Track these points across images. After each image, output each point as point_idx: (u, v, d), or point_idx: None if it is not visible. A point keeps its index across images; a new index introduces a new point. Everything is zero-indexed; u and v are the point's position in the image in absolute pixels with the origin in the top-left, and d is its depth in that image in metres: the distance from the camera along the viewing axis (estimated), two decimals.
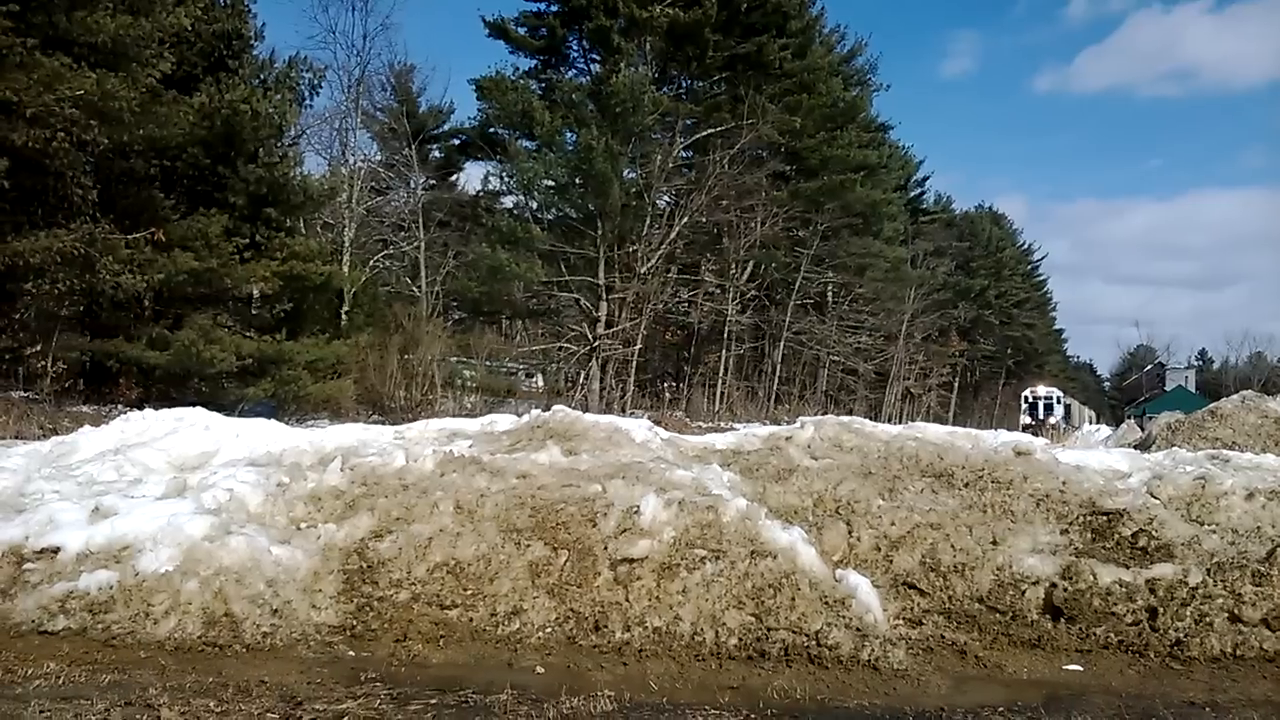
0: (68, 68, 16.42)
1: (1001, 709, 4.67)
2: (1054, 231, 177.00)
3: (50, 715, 4.14)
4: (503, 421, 8.91)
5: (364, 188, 32.73)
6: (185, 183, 21.74)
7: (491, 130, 38.44)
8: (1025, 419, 55.17)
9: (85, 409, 18.11)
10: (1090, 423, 62.79)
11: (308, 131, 31.02)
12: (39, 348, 18.37)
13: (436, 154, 44.81)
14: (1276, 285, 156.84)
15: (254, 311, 24.24)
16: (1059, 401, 59.28)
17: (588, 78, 38.78)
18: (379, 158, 37.75)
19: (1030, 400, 59.23)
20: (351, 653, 5.21)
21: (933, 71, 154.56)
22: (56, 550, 5.70)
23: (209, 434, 8.54)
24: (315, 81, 26.02)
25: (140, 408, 10.83)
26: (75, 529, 5.85)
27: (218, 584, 5.44)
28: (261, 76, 23.93)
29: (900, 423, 11.91)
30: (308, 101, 26.75)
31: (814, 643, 5.26)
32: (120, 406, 17.80)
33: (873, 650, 5.23)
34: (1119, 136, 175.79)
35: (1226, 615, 5.70)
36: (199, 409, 9.59)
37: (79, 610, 5.30)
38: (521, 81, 37.34)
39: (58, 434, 10.33)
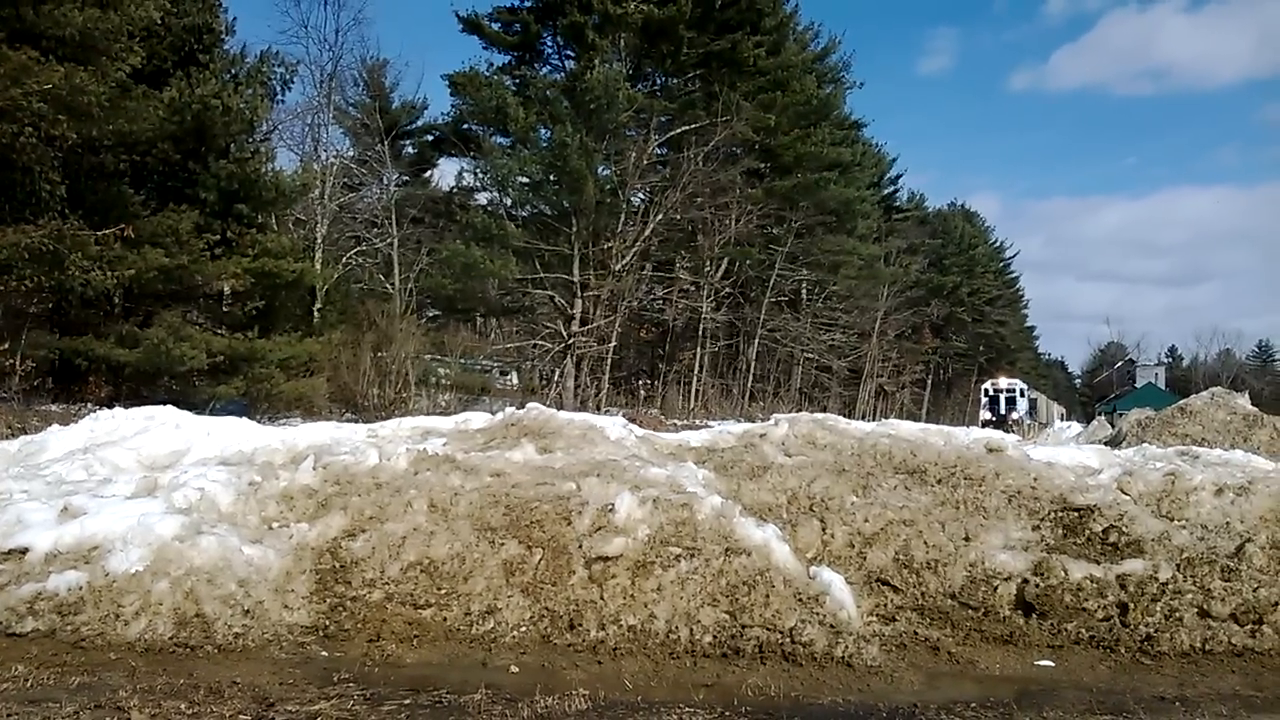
0: (35, 61, 16.23)
1: (974, 705, 4.70)
2: (1028, 229, 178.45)
3: (18, 718, 4.10)
4: (477, 419, 8.89)
5: (336, 184, 32.54)
6: (155, 178, 21.57)
7: (465, 126, 38.34)
8: (985, 414, 51.68)
9: (54, 408, 17.93)
10: (1060, 419, 62.92)
11: (279, 127, 30.85)
12: (7, 345, 18.11)
13: (410, 150, 44.59)
14: (1248, 282, 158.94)
15: (225, 309, 24.07)
16: (1023, 394, 54.96)
17: (562, 74, 38.75)
18: (352, 153, 37.57)
19: (990, 393, 55.06)
20: (325, 653, 5.18)
21: (911, 68, 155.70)
22: (24, 551, 5.64)
23: (180, 433, 8.47)
24: (287, 76, 25.82)
25: (110, 406, 10.76)
26: (44, 529, 5.79)
27: (189, 584, 5.39)
28: (233, 71, 23.71)
29: (874, 420, 11.94)
30: (279, 97, 26.53)
31: (788, 640, 5.28)
32: (90, 405, 17.63)
33: (846, 647, 5.25)
34: (1094, 134, 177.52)
35: (1196, 610, 5.76)
36: (169, 407, 9.52)
37: (48, 612, 5.25)
38: (495, 77, 37.24)
39: (26, 433, 10.23)
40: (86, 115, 17.33)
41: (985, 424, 42.28)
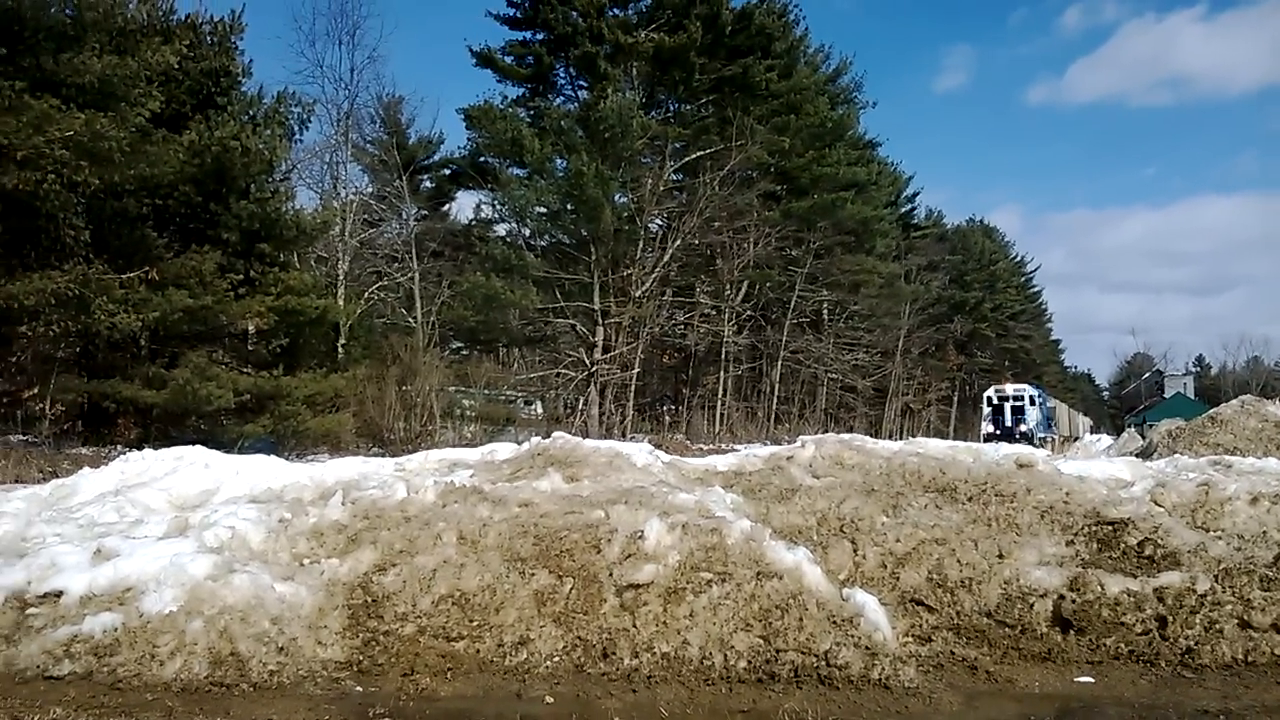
0: (56, 109, 16.44)
1: None
2: (1050, 242, 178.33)
3: None
4: (503, 450, 8.91)
5: (356, 220, 32.75)
6: (177, 221, 21.75)
7: (482, 159, 38.55)
8: (987, 426, 44.56)
9: (84, 451, 18.05)
10: (1089, 432, 62.17)
11: (298, 166, 31.04)
12: (36, 390, 18.33)
13: (428, 184, 44.89)
14: (1273, 289, 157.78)
15: (250, 347, 24.22)
16: (1034, 402, 45.81)
17: (576, 104, 38.93)
18: (370, 190, 37.77)
19: (994, 401, 46.14)
20: (359, 688, 5.18)
21: (927, 87, 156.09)
22: (59, 594, 5.66)
23: (209, 472, 8.52)
24: (304, 116, 26.04)
25: (139, 448, 10.82)
26: (77, 572, 5.81)
27: (222, 623, 5.40)
28: (250, 113, 23.95)
29: (900, 438, 11.89)
30: (298, 136, 26.77)
31: (823, 663, 5.24)
32: (119, 447, 17.76)
33: (883, 669, 5.20)
34: (1113, 146, 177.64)
35: (1236, 621, 5.68)
36: (198, 447, 9.57)
37: (84, 654, 5.26)
38: (510, 110, 37.49)
39: (57, 476, 10.30)
40: (108, 161, 17.51)
41: (988, 438, 38.62)
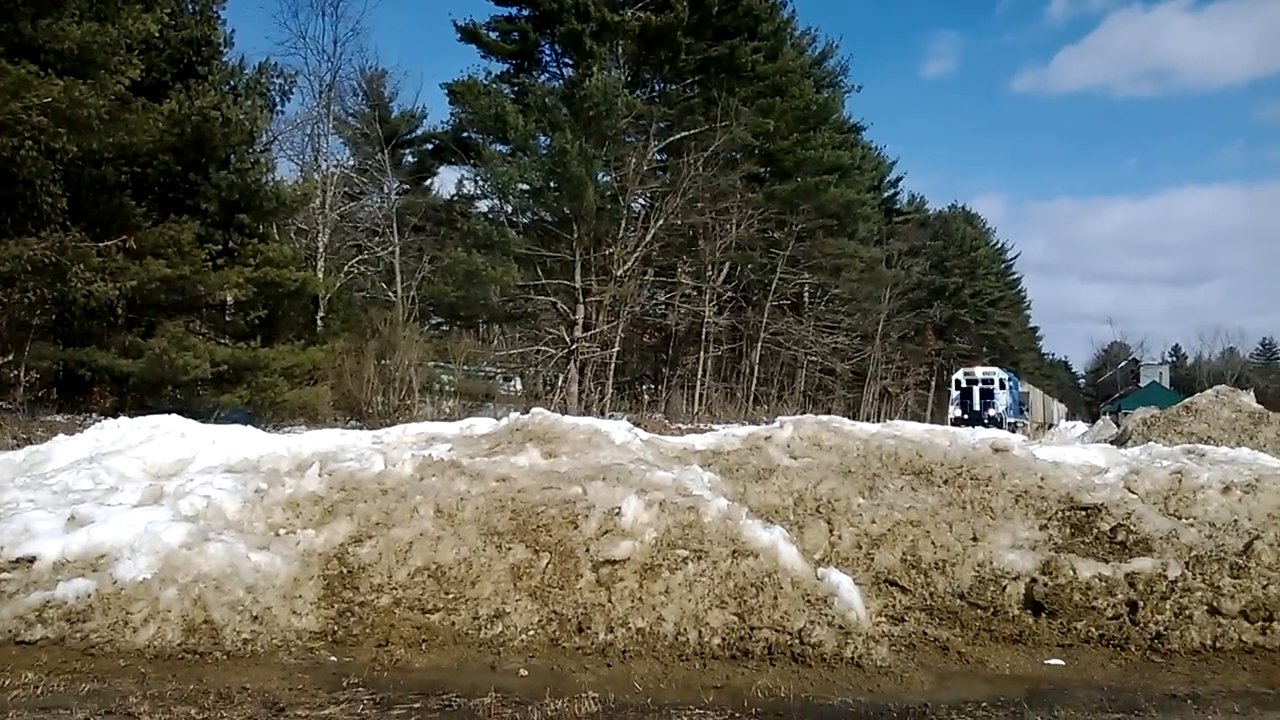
0: (35, 75, 16.25)
1: (984, 704, 4.68)
2: (1031, 230, 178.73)
3: None
4: (482, 425, 8.90)
5: (337, 193, 32.59)
6: (156, 190, 21.57)
7: (465, 134, 38.37)
8: (954, 410, 42.28)
9: (59, 418, 17.93)
10: (1064, 418, 62.42)
11: (279, 137, 30.89)
12: (11, 357, 18.14)
13: (410, 159, 44.66)
14: (1251, 280, 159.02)
15: (228, 318, 24.09)
16: (1004, 386, 43.37)
17: (560, 82, 38.80)
18: (352, 163, 37.58)
19: (962, 385, 43.51)
20: (333, 658, 5.18)
21: (914, 73, 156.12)
22: (32, 559, 5.64)
23: (185, 441, 8.48)
24: (286, 87, 25.90)
25: (115, 416, 10.76)
26: (51, 538, 5.79)
27: (197, 591, 5.39)
28: (232, 83, 23.77)
29: (879, 422, 11.92)
30: (279, 107, 26.66)
31: (797, 641, 5.27)
32: (94, 415, 17.64)
33: (856, 648, 5.24)
34: (1097, 136, 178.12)
35: (1206, 608, 5.75)
36: (174, 416, 9.54)
37: (57, 619, 5.25)
38: (494, 86, 37.31)
39: (32, 443, 10.24)
40: (86, 128, 17.34)
41: (955, 422, 36.14)
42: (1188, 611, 5.74)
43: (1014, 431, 34.20)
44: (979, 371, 44.56)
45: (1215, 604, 5.76)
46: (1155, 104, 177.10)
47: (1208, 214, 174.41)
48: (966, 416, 39.45)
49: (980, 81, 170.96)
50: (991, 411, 40.58)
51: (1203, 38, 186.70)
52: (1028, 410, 49.51)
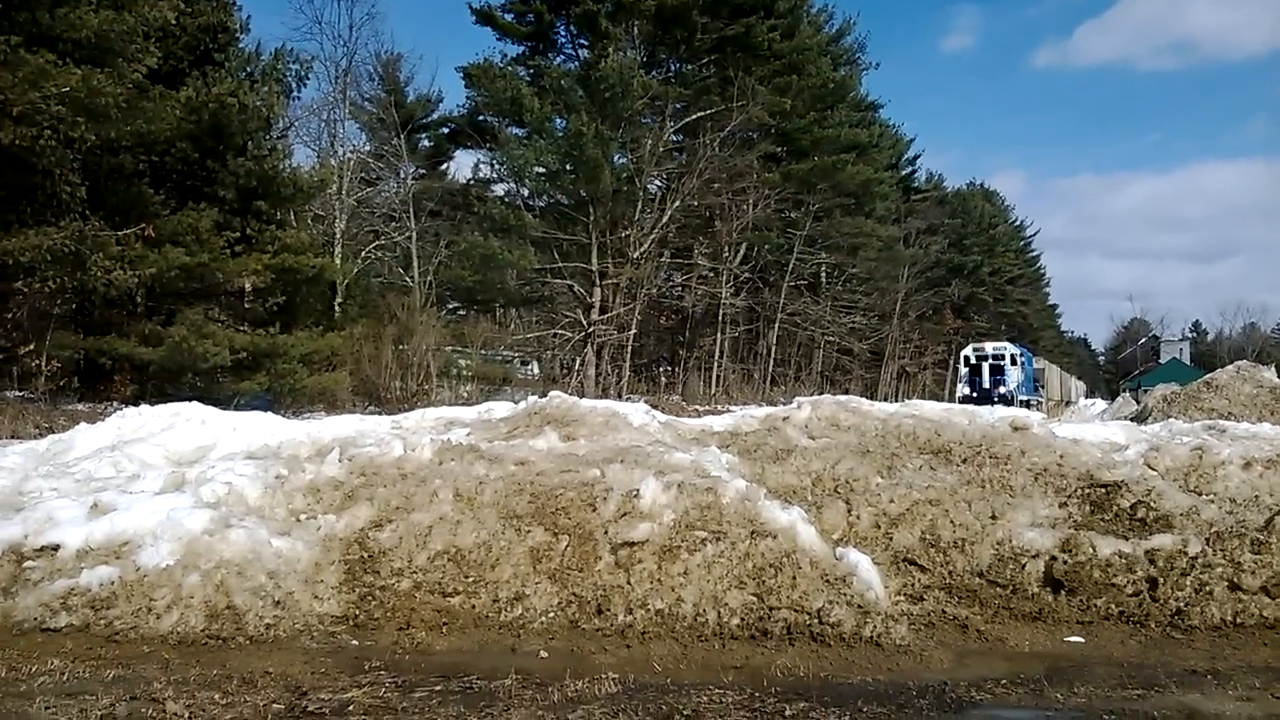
0: (53, 65, 16.32)
1: (1004, 682, 4.69)
2: (1053, 207, 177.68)
3: (55, 712, 4.14)
4: (500, 409, 8.92)
5: (354, 179, 32.62)
6: (174, 178, 21.67)
7: (481, 118, 38.39)
8: (962, 388, 40.48)
9: (81, 407, 18.07)
10: (1083, 396, 61.99)
11: (296, 123, 30.95)
12: (33, 347, 18.31)
13: (426, 143, 44.65)
14: (1274, 255, 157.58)
15: (247, 305, 24.23)
16: (1015, 361, 41.14)
17: (576, 63, 38.76)
18: (368, 148, 37.57)
19: (971, 361, 41.64)
20: (355, 642, 5.22)
21: (933, 49, 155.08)
22: (56, 548, 5.69)
23: (205, 428, 8.53)
24: (302, 73, 25.97)
25: (135, 404, 10.84)
26: (74, 526, 5.83)
27: (219, 577, 5.43)
28: (248, 69, 23.83)
29: (897, 401, 11.90)
30: (295, 93, 26.75)
31: (816, 621, 5.28)
32: (115, 403, 17.76)
33: (875, 627, 5.24)
34: (1119, 111, 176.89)
35: (1226, 584, 5.73)
36: (195, 404, 9.59)
37: (81, 607, 5.30)
38: (510, 68, 37.29)
39: (54, 432, 10.32)
40: (104, 117, 17.40)
41: (964, 401, 34.53)
42: (1208, 588, 5.72)
43: (1027, 409, 33.09)
44: (989, 347, 42.48)
45: (1236, 580, 5.74)
46: (1178, 77, 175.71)
47: (1230, 188, 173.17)
48: (975, 395, 37.71)
49: (1000, 57, 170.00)
50: (1002, 389, 38.66)
51: (1225, 9, 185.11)
52: (1043, 387, 47.26)
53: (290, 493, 6.53)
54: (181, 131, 20.13)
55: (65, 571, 5.53)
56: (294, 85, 25.87)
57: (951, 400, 34.37)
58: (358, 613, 5.48)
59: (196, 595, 5.35)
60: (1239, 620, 5.56)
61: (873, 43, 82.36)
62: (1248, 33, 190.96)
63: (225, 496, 6.31)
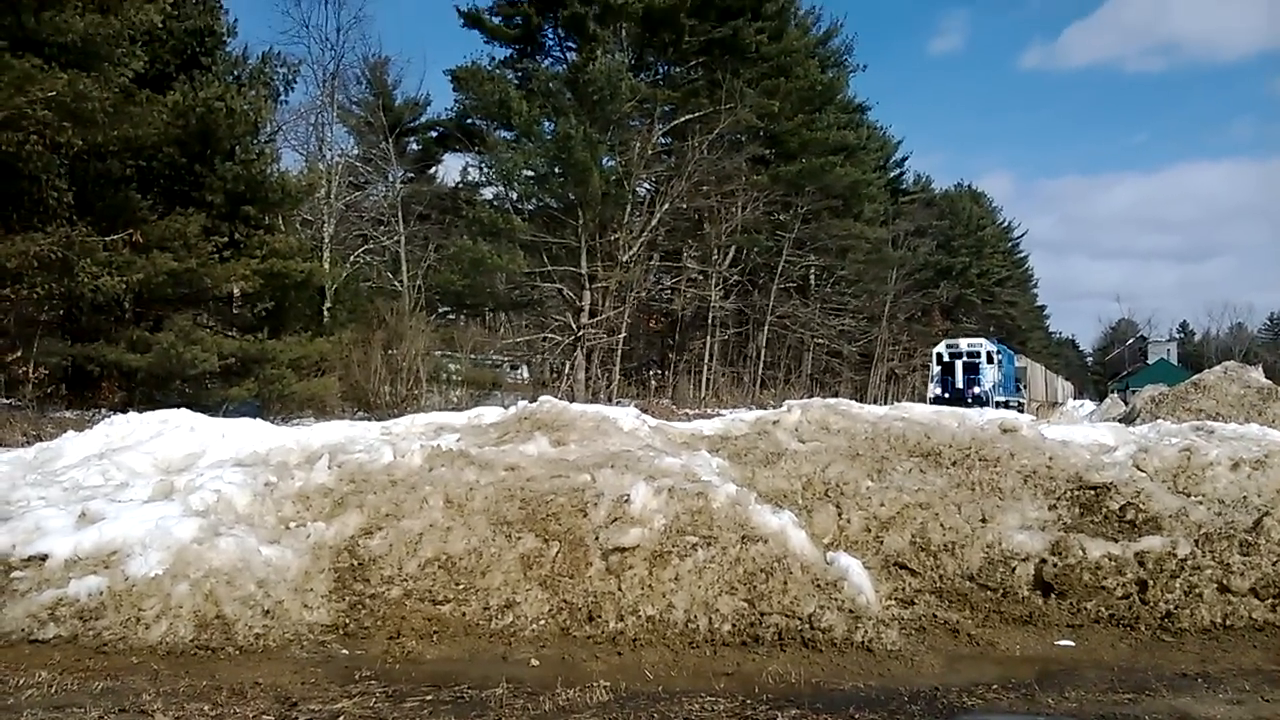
0: (38, 69, 16.21)
1: (995, 686, 4.69)
2: (1040, 208, 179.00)
3: None
4: (490, 414, 8.90)
5: (342, 183, 32.53)
6: (162, 183, 21.55)
7: (469, 121, 38.34)
8: (934, 388, 37.37)
9: (68, 414, 17.98)
10: (1071, 396, 62.06)
11: (284, 127, 30.77)
12: (19, 354, 18.16)
13: (414, 147, 44.57)
14: (1260, 255, 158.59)
15: (235, 310, 24.12)
16: (991, 360, 37.56)
17: (564, 66, 38.65)
18: (356, 152, 37.49)
19: (944, 359, 38.27)
20: (345, 651, 5.20)
21: (920, 51, 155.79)
22: (44, 557, 5.66)
23: (194, 435, 8.49)
24: (290, 77, 25.87)
25: (124, 411, 10.75)
26: (63, 535, 5.81)
27: (208, 586, 5.41)
28: (235, 73, 23.73)
29: (886, 404, 11.89)
30: (283, 97, 26.58)
31: (807, 626, 5.28)
32: (104, 410, 17.65)
33: (866, 632, 5.25)
34: (1105, 112, 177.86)
35: (1215, 586, 5.75)
36: (183, 410, 9.53)
37: (69, 617, 5.27)
38: (498, 71, 37.24)
39: (41, 440, 10.27)
40: (91, 121, 17.30)
41: (935, 401, 32.39)
42: (1197, 590, 5.74)
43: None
44: (963, 343, 39.01)
45: (1225, 582, 5.76)
46: (1165, 78, 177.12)
47: (1217, 189, 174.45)
48: (947, 395, 34.80)
49: (988, 58, 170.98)
50: (976, 389, 35.67)
51: (1212, 10, 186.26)
52: (1025, 387, 44.47)
53: (280, 500, 6.51)
54: (169, 136, 20.03)
55: (53, 582, 5.50)
56: (281, 89, 25.79)
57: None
58: (348, 621, 5.46)
59: (185, 605, 5.32)
60: (1228, 622, 5.58)
61: (860, 45, 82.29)
62: (1235, 34, 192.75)
63: (214, 504, 6.29)
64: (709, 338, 43.95)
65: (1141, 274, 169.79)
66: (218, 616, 5.29)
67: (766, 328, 46.46)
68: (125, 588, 5.40)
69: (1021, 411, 34.29)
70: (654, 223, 37.00)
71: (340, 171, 32.37)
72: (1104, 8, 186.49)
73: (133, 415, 9.46)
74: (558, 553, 5.82)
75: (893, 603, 5.81)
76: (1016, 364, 44.01)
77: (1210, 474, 6.90)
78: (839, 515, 6.53)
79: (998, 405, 30.83)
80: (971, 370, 36.98)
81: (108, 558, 5.62)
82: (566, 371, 35.54)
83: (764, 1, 40.43)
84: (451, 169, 47.99)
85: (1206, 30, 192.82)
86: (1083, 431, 8.39)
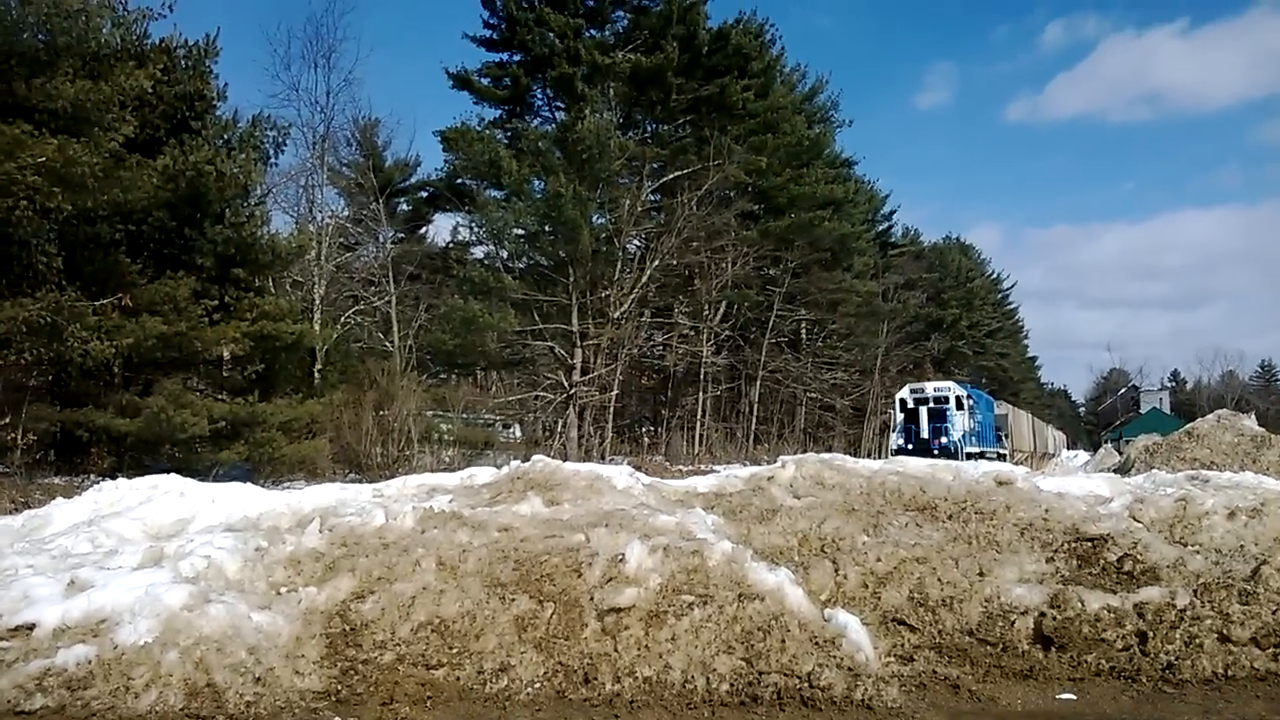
0: (29, 135, 16.31)
1: None
2: (1029, 258, 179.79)
3: None
4: (482, 474, 8.85)
5: (333, 244, 32.58)
6: (151, 246, 21.59)
7: (459, 181, 38.55)
8: (896, 439, 34.09)
9: (57, 480, 17.85)
10: (1064, 447, 61.85)
11: (274, 190, 30.92)
12: (8, 419, 18.05)
13: (405, 207, 44.85)
14: (1250, 302, 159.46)
15: (225, 374, 24.02)
16: (961, 405, 33.80)
17: (553, 125, 38.99)
18: (347, 213, 37.61)
19: (908, 405, 34.68)
20: (338, 718, 5.12)
21: (906, 105, 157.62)
22: (32, 626, 5.58)
23: (184, 501, 8.42)
24: (280, 140, 25.96)
25: (113, 477, 10.69)
26: (51, 604, 5.73)
27: (198, 654, 5.33)
28: (225, 137, 23.84)
29: (880, 457, 11.88)
30: (273, 160, 26.64)
31: (806, 684, 5.22)
32: (93, 476, 17.55)
33: (866, 689, 5.18)
34: (1092, 162, 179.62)
35: (1216, 636, 5.70)
36: (173, 476, 9.47)
37: (57, 687, 5.18)
38: (487, 131, 37.48)
39: (30, 507, 10.19)
40: (81, 186, 17.35)
41: (898, 453, 29.67)
42: (1198, 640, 5.69)
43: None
44: (929, 388, 35.69)
45: (1225, 631, 5.72)
46: (1150, 128, 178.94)
47: (1206, 236, 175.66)
48: (910, 447, 31.63)
49: (974, 111, 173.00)
50: (944, 439, 32.31)
51: (1196, 61, 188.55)
52: (1007, 437, 40.58)
53: (270, 565, 6.44)
54: (158, 200, 20.08)
55: (41, 651, 5.41)
56: (271, 152, 25.86)
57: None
58: (340, 687, 5.38)
59: (175, 673, 5.24)
60: (1230, 673, 5.53)
61: (846, 100, 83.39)
62: (1218, 84, 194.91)
63: (204, 571, 6.22)
64: (701, 393, 43.95)
65: (1133, 322, 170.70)
66: (208, 684, 5.21)
67: (759, 382, 46.49)
68: (114, 656, 5.32)
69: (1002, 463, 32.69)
70: (644, 279, 37.12)
71: (331, 233, 32.44)
72: (1088, 60, 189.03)
73: (122, 481, 9.40)
74: (552, 614, 5.75)
75: (892, 659, 5.76)
76: (996, 411, 41.09)
77: (1207, 523, 6.88)
78: (836, 571, 6.48)
79: (968, 457, 28.64)
80: (938, 418, 33.47)
81: (96, 626, 5.54)
82: (559, 430, 35.45)
83: (750, 59, 40.95)
84: (442, 229, 48.31)
85: (1190, 80, 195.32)
86: (1078, 483, 8.38)
